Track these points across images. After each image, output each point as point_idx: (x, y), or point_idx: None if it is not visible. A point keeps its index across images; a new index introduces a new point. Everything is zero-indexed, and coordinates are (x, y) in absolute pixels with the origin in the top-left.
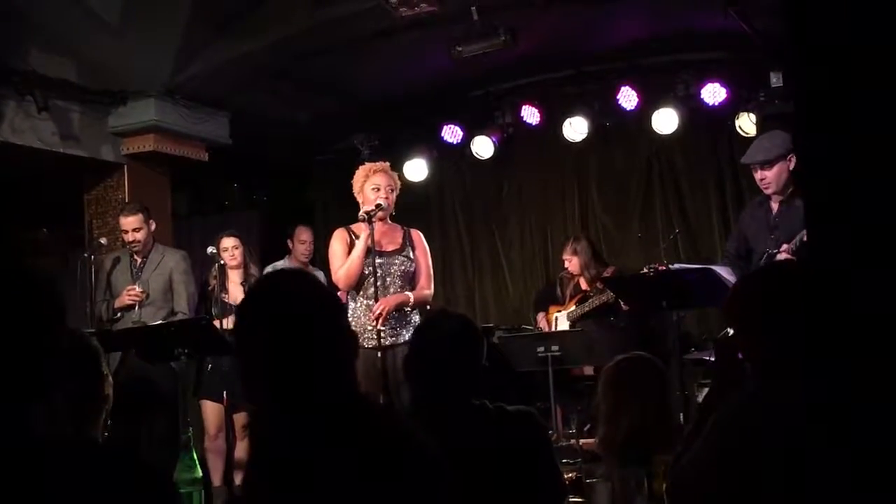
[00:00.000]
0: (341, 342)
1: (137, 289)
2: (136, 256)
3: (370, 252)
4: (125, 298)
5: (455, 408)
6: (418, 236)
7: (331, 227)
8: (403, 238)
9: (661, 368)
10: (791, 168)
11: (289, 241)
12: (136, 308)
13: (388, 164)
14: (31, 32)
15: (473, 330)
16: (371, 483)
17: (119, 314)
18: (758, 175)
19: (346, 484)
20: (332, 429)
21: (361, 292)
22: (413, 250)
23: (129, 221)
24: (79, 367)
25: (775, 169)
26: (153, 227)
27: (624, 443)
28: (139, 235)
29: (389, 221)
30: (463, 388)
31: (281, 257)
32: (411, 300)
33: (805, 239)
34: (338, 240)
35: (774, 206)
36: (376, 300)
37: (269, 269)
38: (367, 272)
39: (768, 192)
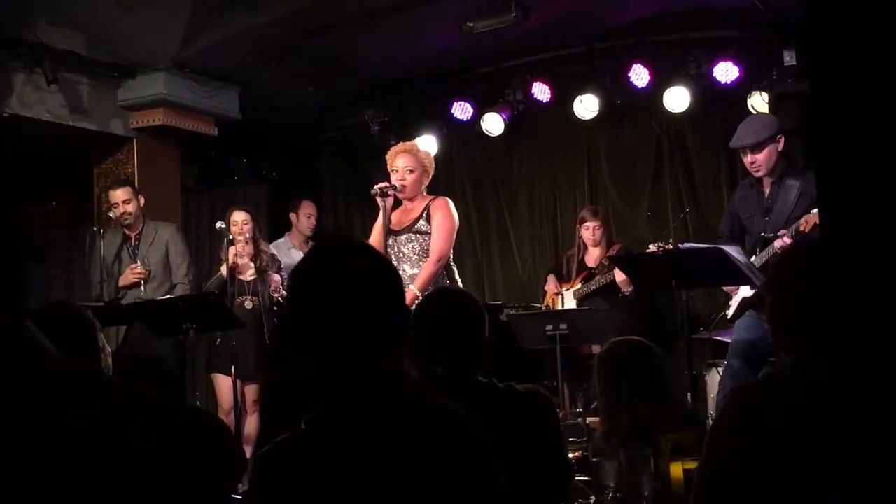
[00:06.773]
0: (393, 312)
1: (139, 266)
2: (128, 233)
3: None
4: (130, 277)
5: (460, 385)
6: (438, 205)
7: (339, 203)
8: (422, 211)
9: (653, 350)
10: (780, 150)
11: (292, 216)
12: (142, 285)
13: (411, 143)
14: (40, 4)
15: (472, 304)
16: (416, 458)
17: (122, 293)
18: (747, 159)
19: (390, 456)
20: (380, 399)
21: None
22: (428, 222)
23: (118, 194)
24: (72, 340)
25: (765, 152)
26: (142, 202)
27: (626, 435)
28: (130, 207)
29: (426, 195)
30: (466, 363)
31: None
32: (417, 295)
33: (800, 228)
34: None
35: (767, 188)
36: None
37: (271, 247)
38: (388, 252)
39: (758, 174)
